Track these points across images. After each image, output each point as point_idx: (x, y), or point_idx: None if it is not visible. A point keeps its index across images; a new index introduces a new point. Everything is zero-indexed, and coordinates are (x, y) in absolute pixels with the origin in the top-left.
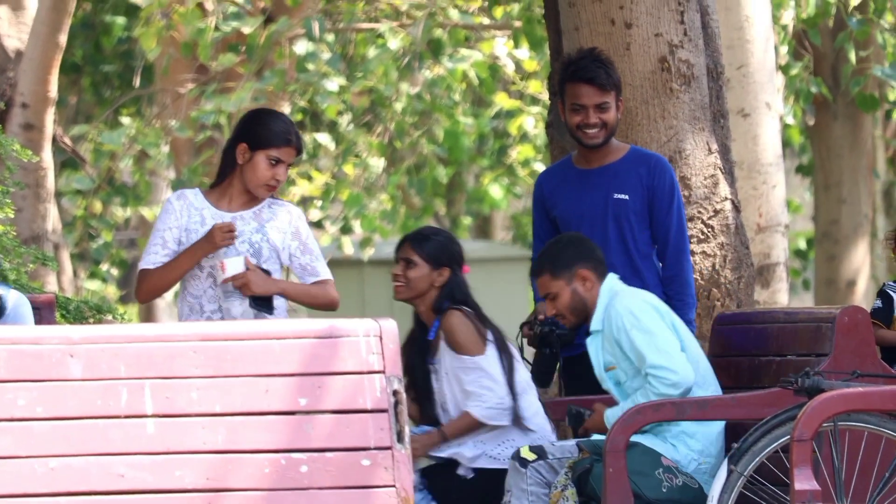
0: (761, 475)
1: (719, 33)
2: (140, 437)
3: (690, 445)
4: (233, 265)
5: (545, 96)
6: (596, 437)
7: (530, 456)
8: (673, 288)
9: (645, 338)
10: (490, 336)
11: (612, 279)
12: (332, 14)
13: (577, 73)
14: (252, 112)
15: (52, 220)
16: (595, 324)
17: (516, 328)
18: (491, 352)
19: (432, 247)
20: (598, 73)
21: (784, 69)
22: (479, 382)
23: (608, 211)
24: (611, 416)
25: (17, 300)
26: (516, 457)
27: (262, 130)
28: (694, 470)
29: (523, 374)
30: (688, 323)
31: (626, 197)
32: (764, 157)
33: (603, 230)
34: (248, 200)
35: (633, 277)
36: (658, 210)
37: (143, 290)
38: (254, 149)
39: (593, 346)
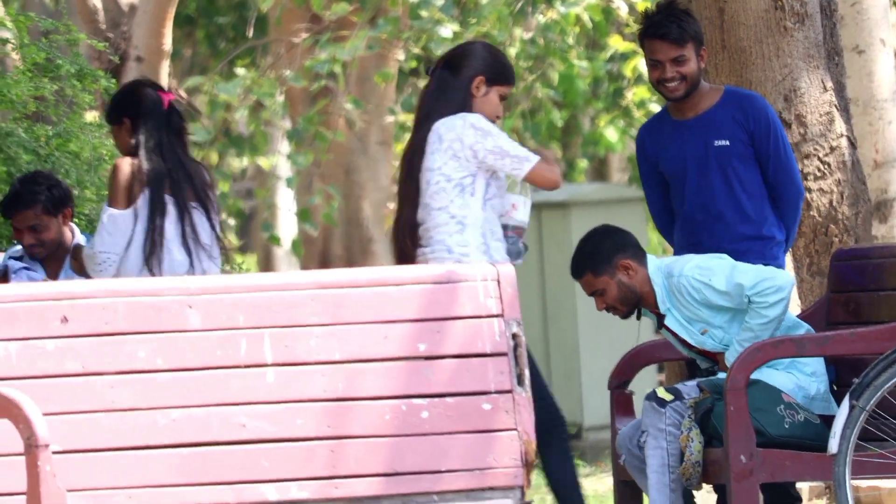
0: (883, 409)
1: None
2: (260, 387)
3: (804, 370)
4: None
5: None
6: (719, 375)
7: (667, 396)
8: (785, 214)
9: (727, 274)
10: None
11: (652, 260)
12: None
13: (651, 30)
14: (488, 46)
15: None
16: (662, 305)
17: None
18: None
19: None
20: (669, 28)
21: None
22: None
23: (710, 159)
24: (729, 356)
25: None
26: (652, 397)
27: (500, 67)
28: (815, 393)
29: None
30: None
31: (727, 143)
32: (879, 93)
33: (708, 178)
34: None
35: (744, 220)
36: (762, 150)
37: None
38: (490, 84)
39: (674, 324)
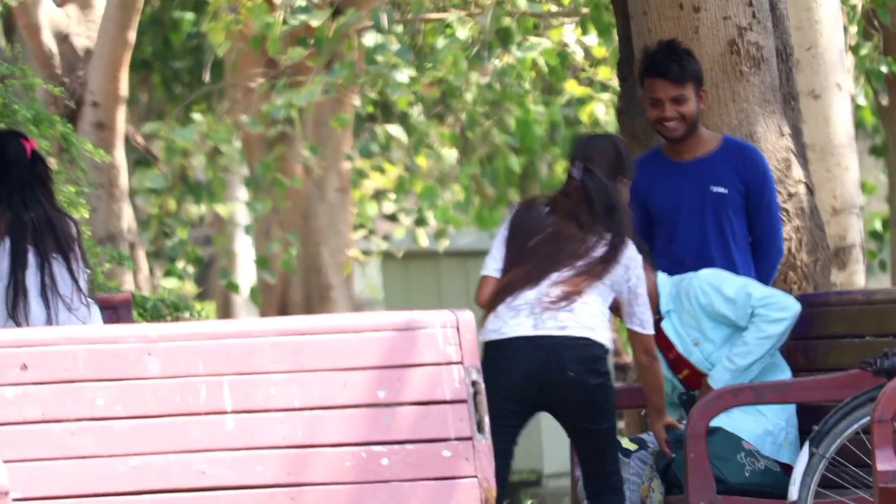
0: (843, 457)
1: (788, 14)
2: (220, 434)
3: (776, 414)
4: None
5: (615, 82)
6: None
7: (632, 446)
8: (762, 269)
9: (739, 284)
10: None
11: (661, 274)
12: (401, 5)
13: (651, 68)
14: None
15: (127, 218)
16: (664, 305)
17: None
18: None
19: None
20: (671, 66)
21: (854, 49)
22: None
23: (706, 204)
24: (714, 375)
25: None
26: (618, 448)
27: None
28: (782, 439)
29: None
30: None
31: (725, 191)
32: (836, 138)
33: (701, 223)
34: None
35: (731, 270)
36: (754, 203)
37: None
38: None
39: (670, 329)
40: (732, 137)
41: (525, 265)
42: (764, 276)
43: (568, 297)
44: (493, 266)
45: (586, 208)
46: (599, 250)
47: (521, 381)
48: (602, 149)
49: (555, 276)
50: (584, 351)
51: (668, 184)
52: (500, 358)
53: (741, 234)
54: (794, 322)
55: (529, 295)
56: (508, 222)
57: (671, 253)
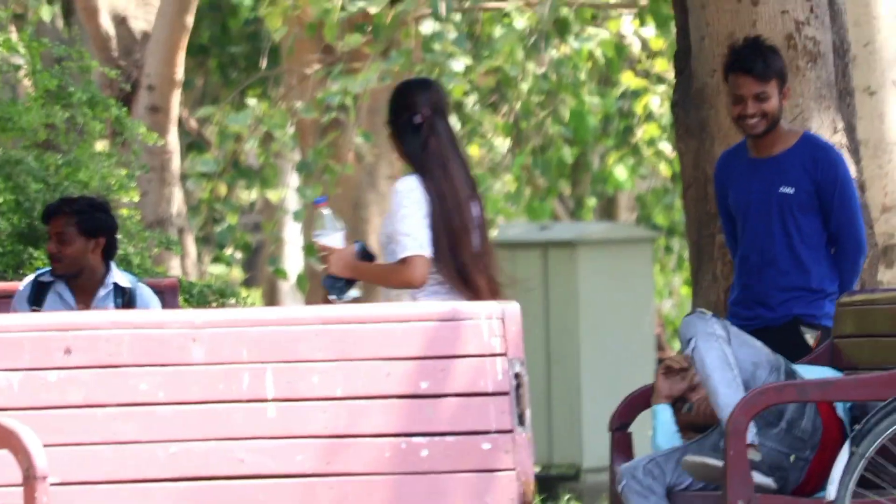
0: (883, 457)
1: (845, 9)
2: (261, 422)
3: None
4: (328, 239)
5: (671, 75)
6: None
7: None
8: (842, 267)
9: None
10: None
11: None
12: None
13: (736, 64)
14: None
15: (177, 203)
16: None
17: (641, 309)
18: None
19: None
20: (755, 63)
21: None
22: None
23: (772, 204)
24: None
25: (147, 296)
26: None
27: None
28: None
29: None
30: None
31: (792, 191)
32: (890, 135)
33: (768, 223)
34: None
35: (797, 270)
36: (826, 203)
37: None
38: None
39: None
40: (812, 135)
41: None
42: (846, 274)
43: None
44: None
45: None
46: None
47: None
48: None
49: None
50: None
51: (741, 181)
52: None
53: (811, 233)
54: None
55: None
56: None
57: (741, 250)
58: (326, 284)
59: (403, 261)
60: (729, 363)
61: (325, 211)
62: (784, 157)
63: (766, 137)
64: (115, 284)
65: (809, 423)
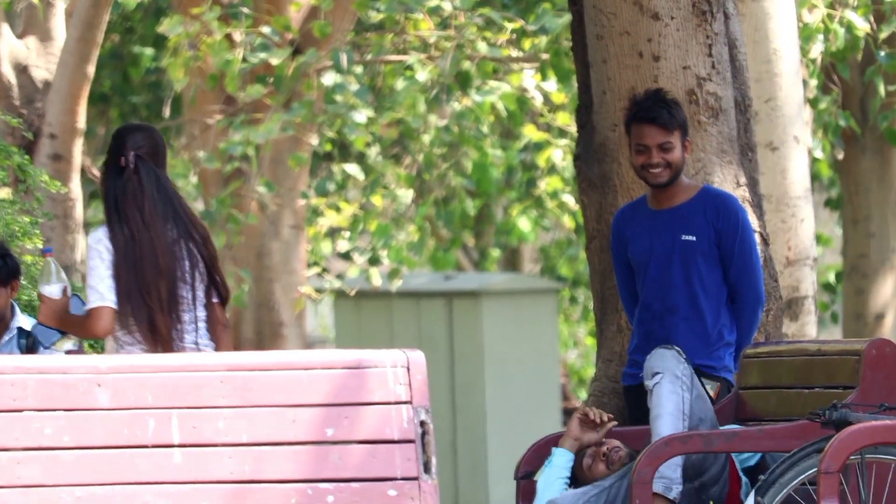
0: None
1: (747, 66)
2: (167, 467)
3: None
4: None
5: (573, 128)
6: None
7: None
8: (741, 317)
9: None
10: None
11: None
12: (361, 46)
13: (640, 114)
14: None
15: (81, 250)
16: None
17: (546, 358)
18: None
19: None
20: (660, 113)
21: (812, 102)
22: None
23: (675, 251)
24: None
25: None
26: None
27: None
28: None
29: None
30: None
31: (694, 238)
32: (792, 190)
33: (668, 270)
34: None
35: (696, 318)
36: (727, 251)
37: None
38: None
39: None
40: (711, 187)
41: None
42: (745, 325)
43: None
44: None
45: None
46: None
47: None
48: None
49: None
50: None
51: (642, 232)
52: None
53: (712, 282)
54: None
55: None
56: None
57: (642, 299)
58: (37, 332)
59: (89, 312)
60: (683, 412)
61: (51, 261)
62: (685, 207)
63: (667, 189)
64: (19, 328)
65: (722, 484)
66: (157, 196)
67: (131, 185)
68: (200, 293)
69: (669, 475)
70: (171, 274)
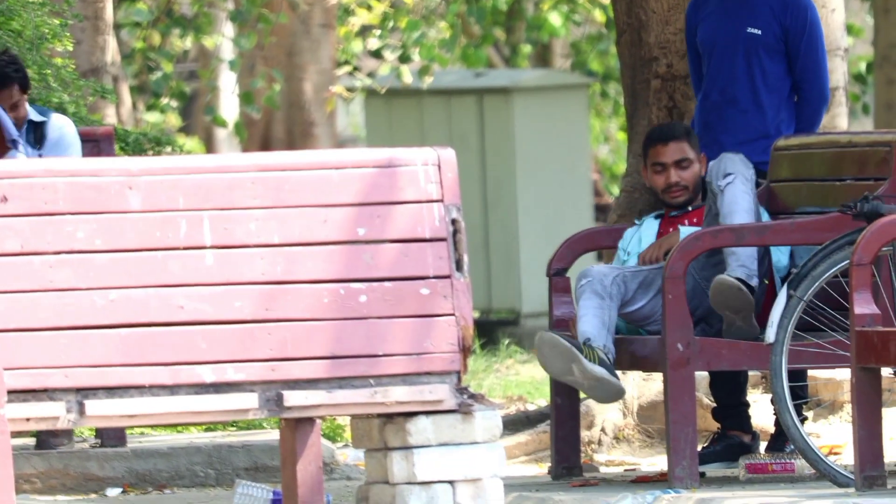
0: (820, 300)
1: None
2: (199, 269)
3: None
4: None
5: None
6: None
7: None
8: (803, 114)
9: None
10: None
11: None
12: None
13: None
14: None
15: (111, 52)
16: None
17: (577, 154)
18: None
19: None
20: None
21: None
22: None
23: (739, 44)
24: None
25: (59, 125)
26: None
27: None
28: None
29: None
30: None
31: (759, 32)
32: None
33: (732, 62)
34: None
35: (755, 111)
36: (793, 48)
37: None
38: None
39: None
40: None
41: None
42: (806, 121)
43: None
44: None
45: None
46: None
47: None
48: None
49: None
50: None
51: (710, 20)
52: None
53: (775, 77)
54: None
55: None
56: None
57: (704, 88)
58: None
59: None
60: (753, 213)
61: None
62: None
63: None
64: (29, 121)
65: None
66: None
67: None
68: None
69: (750, 265)
70: None
